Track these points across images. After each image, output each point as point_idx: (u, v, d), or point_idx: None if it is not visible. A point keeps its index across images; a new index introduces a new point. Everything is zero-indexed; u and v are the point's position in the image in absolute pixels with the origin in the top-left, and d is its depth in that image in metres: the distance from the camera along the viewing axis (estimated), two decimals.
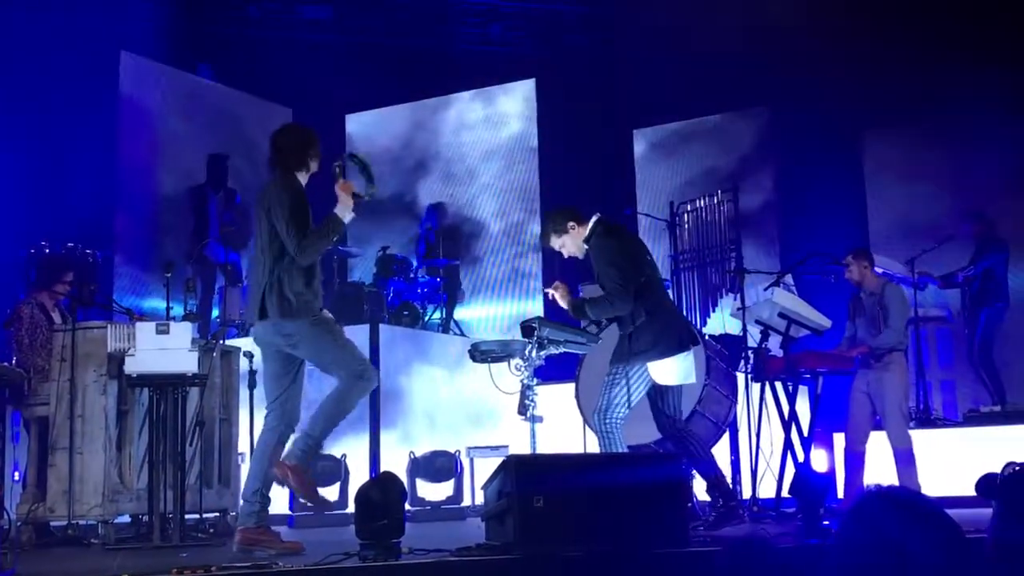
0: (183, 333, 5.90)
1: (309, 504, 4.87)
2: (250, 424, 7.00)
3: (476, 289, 11.44)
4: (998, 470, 2.45)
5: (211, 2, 10.50)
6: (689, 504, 5.68)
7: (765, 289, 7.35)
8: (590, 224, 5.93)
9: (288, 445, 5.26)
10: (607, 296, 5.75)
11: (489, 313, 11.31)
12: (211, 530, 6.53)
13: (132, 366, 5.82)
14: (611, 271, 5.74)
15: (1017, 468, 2.30)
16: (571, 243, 5.95)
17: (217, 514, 6.74)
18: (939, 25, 9.13)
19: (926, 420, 8.64)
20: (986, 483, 2.40)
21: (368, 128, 12.41)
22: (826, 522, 5.15)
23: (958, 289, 9.22)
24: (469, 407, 8.77)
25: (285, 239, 5.15)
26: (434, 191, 11.77)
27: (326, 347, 5.26)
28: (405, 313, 9.38)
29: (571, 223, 5.92)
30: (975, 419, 8.58)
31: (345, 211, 5.27)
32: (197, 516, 6.46)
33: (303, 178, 5.36)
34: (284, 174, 5.31)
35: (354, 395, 5.27)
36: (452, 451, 8.16)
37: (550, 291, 6.04)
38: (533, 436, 5.65)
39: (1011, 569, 1.94)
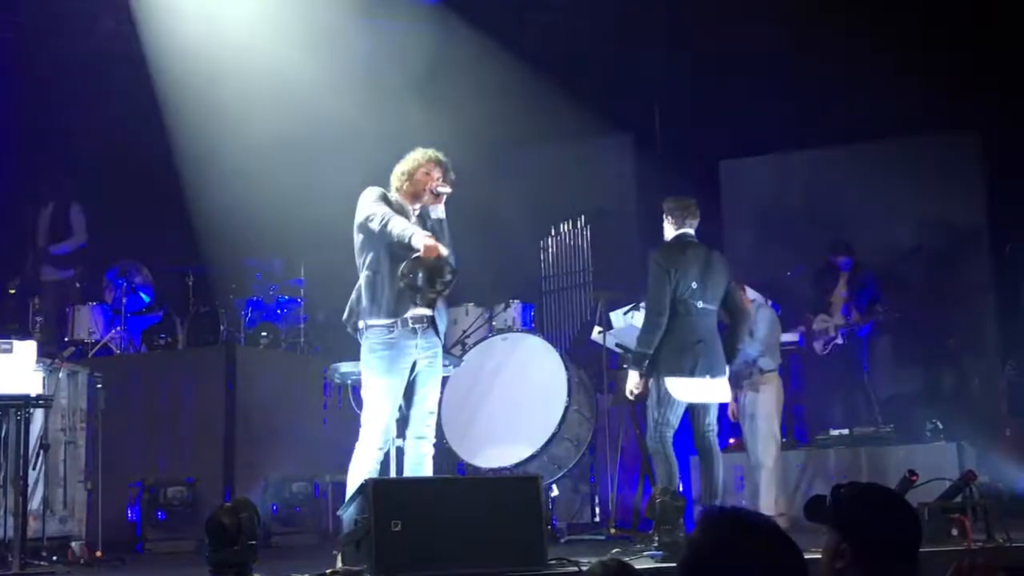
0: (26, 352, 5.67)
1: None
2: (97, 448, 6.74)
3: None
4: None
5: None
6: (548, 526, 5.69)
7: (625, 313, 7.46)
8: (674, 233, 6.40)
9: None
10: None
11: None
12: (54, 558, 6.26)
13: None
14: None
15: (841, 491, 2.39)
16: (668, 226, 6.47)
17: (60, 541, 6.47)
18: (793, 53, 9.42)
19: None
20: (814, 505, 2.48)
21: None
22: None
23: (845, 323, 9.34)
24: (329, 430, 8.60)
25: None
26: None
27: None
28: (263, 334, 9.16)
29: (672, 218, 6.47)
30: (825, 443, 8.83)
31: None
32: (40, 543, 6.19)
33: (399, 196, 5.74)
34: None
35: (354, 457, 5.26)
36: (310, 476, 7.97)
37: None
38: (395, 460, 5.58)
39: None
